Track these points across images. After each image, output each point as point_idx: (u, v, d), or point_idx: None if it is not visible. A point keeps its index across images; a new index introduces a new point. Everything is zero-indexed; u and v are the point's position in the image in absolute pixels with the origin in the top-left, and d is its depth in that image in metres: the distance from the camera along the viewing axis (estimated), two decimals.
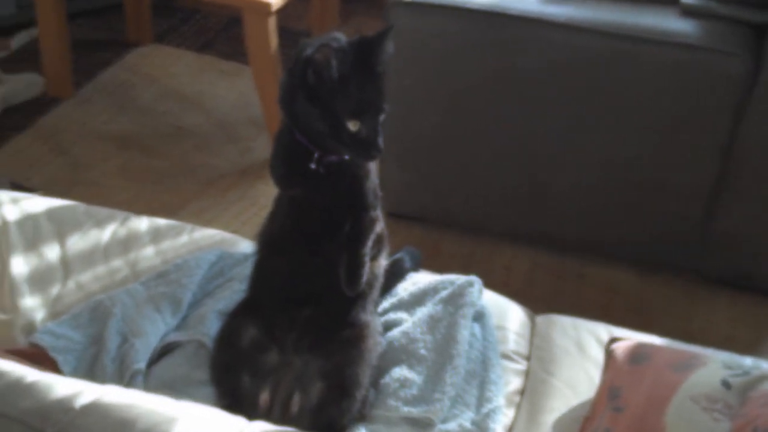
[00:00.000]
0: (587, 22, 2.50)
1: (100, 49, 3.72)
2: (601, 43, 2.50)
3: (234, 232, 2.27)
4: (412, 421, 1.64)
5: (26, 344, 1.75)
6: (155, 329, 1.77)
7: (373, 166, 1.65)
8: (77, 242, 2.01)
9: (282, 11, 3.00)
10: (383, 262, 1.73)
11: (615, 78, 2.51)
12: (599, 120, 2.59)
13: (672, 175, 2.60)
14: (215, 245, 2.01)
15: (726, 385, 1.53)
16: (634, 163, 2.61)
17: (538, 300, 2.60)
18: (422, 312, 1.80)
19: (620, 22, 2.50)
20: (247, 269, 1.78)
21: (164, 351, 1.77)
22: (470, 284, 1.83)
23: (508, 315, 1.91)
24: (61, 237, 2.02)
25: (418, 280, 1.91)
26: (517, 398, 1.76)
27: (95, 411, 1.06)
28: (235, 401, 1.62)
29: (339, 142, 1.54)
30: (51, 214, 2.07)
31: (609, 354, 1.72)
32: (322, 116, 1.52)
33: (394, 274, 1.88)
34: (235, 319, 1.68)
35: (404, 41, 2.63)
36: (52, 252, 1.99)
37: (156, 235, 2.05)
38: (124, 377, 1.67)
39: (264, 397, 1.60)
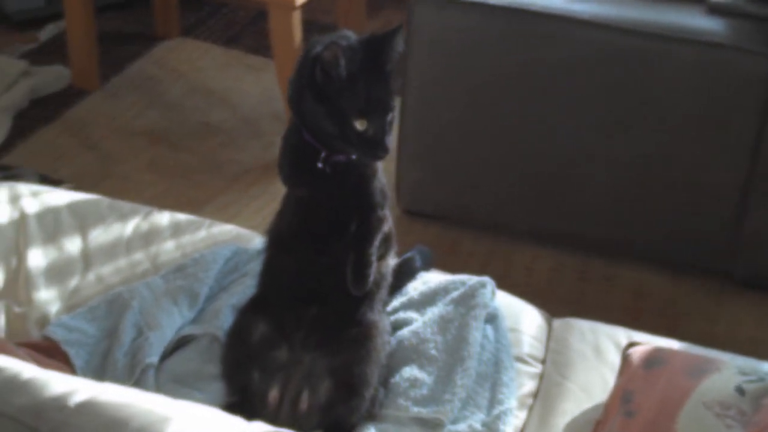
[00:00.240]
0: (612, 19, 2.48)
1: (128, 42, 3.73)
2: (626, 41, 2.48)
3: (255, 227, 2.27)
4: (421, 421, 1.63)
5: (39, 337, 1.76)
6: (172, 322, 1.78)
7: (380, 166, 1.64)
8: (99, 235, 2.03)
9: (309, 5, 3.00)
10: (391, 262, 1.72)
11: (640, 76, 2.49)
12: (624, 118, 2.56)
13: (701, 174, 2.57)
14: (231, 240, 2.02)
15: (740, 391, 1.51)
16: (661, 162, 2.59)
17: (561, 301, 2.59)
18: (433, 312, 1.79)
19: (645, 19, 2.48)
20: (260, 265, 1.78)
21: (179, 344, 1.78)
22: (482, 285, 1.82)
23: (524, 317, 1.89)
24: (83, 230, 2.03)
25: (428, 279, 1.90)
26: (529, 401, 1.74)
27: (89, 409, 1.05)
28: (244, 397, 1.63)
29: (346, 142, 1.53)
30: (73, 207, 2.09)
31: (625, 358, 1.70)
32: (330, 115, 1.51)
33: (405, 273, 1.87)
34: (245, 315, 1.68)
35: (426, 36, 2.63)
36: (72, 245, 2.00)
37: (176, 230, 2.06)
38: (135, 371, 1.68)
39: (273, 394, 1.61)
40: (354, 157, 1.56)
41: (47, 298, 1.87)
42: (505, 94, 2.63)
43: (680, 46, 2.43)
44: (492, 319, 1.82)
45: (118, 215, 2.08)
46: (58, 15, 3.63)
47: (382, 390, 1.66)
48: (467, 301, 1.79)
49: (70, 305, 1.86)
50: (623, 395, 1.60)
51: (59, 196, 2.13)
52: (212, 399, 1.65)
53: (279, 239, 1.69)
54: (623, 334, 1.87)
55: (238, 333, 1.67)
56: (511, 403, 1.68)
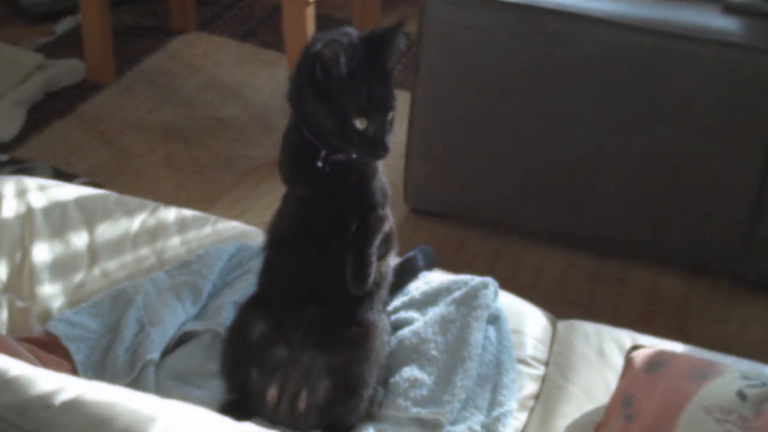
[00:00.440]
0: (624, 17, 2.46)
1: (144, 36, 3.74)
2: (640, 40, 2.46)
3: (264, 223, 2.26)
4: (420, 422, 1.63)
5: (41, 332, 1.76)
6: (175, 317, 1.78)
7: (380, 165, 1.63)
8: (106, 231, 2.03)
9: (324, 0, 2.98)
10: (392, 261, 1.71)
11: (652, 75, 2.47)
12: (635, 118, 2.54)
13: (714, 175, 2.55)
14: (236, 237, 2.02)
15: (741, 396, 1.49)
16: (676, 163, 2.57)
17: (571, 303, 2.57)
18: (434, 312, 1.78)
19: (658, 18, 2.46)
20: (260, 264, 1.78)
21: (181, 340, 1.78)
22: (484, 286, 1.80)
23: (527, 319, 1.88)
24: (89, 225, 2.03)
25: (430, 279, 1.89)
26: (531, 403, 1.73)
27: (75, 408, 1.05)
28: (243, 396, 1.63)
29: (346, 140, 1.52)
30: (81, 202, 2.09)
31: (628, 361, 1.69)
32: (330, 113, 1.50)
33: (407, 273, 1.86)
34: (245, 313, 1.68)
35: (438, 32, 2.61)
36: (79, 240, 2.00)
37: (182, 226, 2.07)
38: (135, 368, 1.67)
39: (272, 393, 1.61)
40: (354, 156, 1.55)
41: (51, 292, 1.87)
42: (517, 91, 2.62)
43: (694, 45, 2.40)
44: (495, 320, 1.80)
45: (125, 210, 2.08)
46: (74, 8, 3.64)
47: (381, 390, 1.65)
48: (469, 301, 1.77)
49: (74, 300, 1.86)
50: (624, 398, 1.58)
51: (66, 191, 2.13)
52: (212, 396, 1.65)
53: (279, 238, 1.68)
54: (628, 337, 1.85)
55: (238, 331, 1.67)
56: (512, 405, 1.67)
